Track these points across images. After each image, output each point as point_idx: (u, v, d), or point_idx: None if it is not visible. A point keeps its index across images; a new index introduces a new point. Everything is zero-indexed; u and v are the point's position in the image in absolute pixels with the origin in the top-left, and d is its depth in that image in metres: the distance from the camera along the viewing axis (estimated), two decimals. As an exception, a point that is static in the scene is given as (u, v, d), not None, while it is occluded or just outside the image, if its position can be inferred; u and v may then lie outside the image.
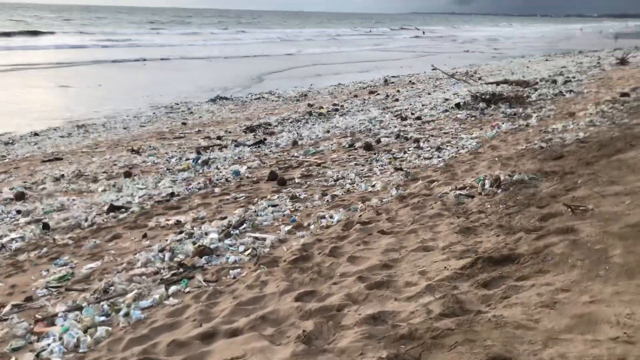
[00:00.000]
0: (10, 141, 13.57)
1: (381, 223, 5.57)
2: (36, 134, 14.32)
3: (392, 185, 7.21)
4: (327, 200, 6.87)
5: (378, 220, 5.70)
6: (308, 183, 7.89)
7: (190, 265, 4.96)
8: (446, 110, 13.74)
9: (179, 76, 27.67)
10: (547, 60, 31.53)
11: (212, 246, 5.36)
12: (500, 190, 6.00)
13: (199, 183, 8.31)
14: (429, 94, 18.41)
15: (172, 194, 7.74)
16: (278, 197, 7.20)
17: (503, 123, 11.21)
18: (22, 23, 69.31)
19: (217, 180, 8.45)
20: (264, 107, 18.32)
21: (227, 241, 5.56)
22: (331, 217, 6.03)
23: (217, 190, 7.87)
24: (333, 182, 7.82)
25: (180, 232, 5.96)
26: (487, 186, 6.16)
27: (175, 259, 5.13)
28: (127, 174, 9.46)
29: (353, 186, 7.48)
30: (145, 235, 6.04)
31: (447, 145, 9.53)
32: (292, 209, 6.62)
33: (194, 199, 7.43)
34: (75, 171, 9.96)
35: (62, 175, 9.77)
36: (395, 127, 12.10)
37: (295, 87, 23.04)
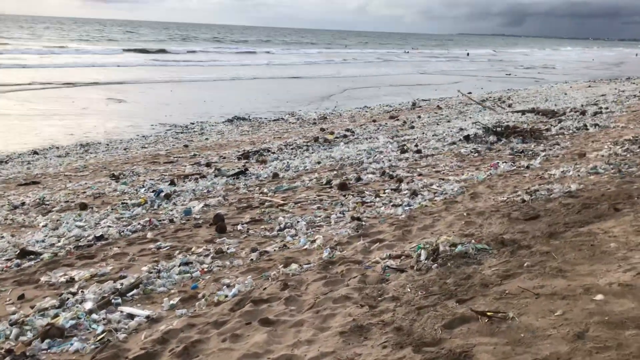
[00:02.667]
0: (4, 160, 12.99)
1: (276, 305, 4.39)
2: (35, 153, 13.73)
3: (331, 243, 6.01)
4: (251, 259, 5.73)
5: (278, 297, 4.52)
6: (249, 232, 6.77)
7: (20, 353, 3.92)
8: (453, 143, 12.38)
9: (211, 95, 27.03)
10: (589, 86, 29.43)
11: (69, 324, 4.31)
12: (436, 265, 4.74)
13: (138, 224, 7.31)
14: (449, 121, 17.02)
15: (99, 237, 6.76)
16: (204, 249, 6.11)
17: (503, 163, 9.81)
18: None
19: (160, 221, 7.43)
20: (276, 129, 17.33)
21: (97, 315, 4.50)
22: (230, 287, 4.88)
23: (149, 235, 6.85)
24: (276, 232, 6.68)
25: (60, 296, 4.95)
26: (422, 258, 4.91)
27: (5, 343, 4.09)
28: (83, 206, 8.57)
29: (294, 239, 6.33)
30: (22, 297, 5.05)
31: (426, 189, 8.24)
32: (206, 269, 5.52)
33: (113, 247, 6.41)
34: (39, 199, 9.15)
35: (23, 203, 8.98)
36: (389, 160, 10.85)
37: (317, 109, 21.97)
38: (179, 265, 5.59)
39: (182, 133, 16.69)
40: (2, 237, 7.09)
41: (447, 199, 7.65)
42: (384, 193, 8.30)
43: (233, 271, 5.42)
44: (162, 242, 6.48)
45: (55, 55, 42.71)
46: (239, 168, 10.83)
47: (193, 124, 18.30)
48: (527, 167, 9.33)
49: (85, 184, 10.39)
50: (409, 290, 4.28)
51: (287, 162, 11.40)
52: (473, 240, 5.24)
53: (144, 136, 16.04)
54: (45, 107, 20.53)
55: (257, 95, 26.27)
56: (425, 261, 4.85)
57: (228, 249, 6.11)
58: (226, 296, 4.69)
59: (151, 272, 5.40)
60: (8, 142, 14.80)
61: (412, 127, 16.00)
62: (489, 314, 3.46)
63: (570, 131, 13.11)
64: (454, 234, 5.75)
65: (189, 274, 5.39)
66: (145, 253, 6.14)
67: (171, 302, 4.68)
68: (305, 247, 5.95)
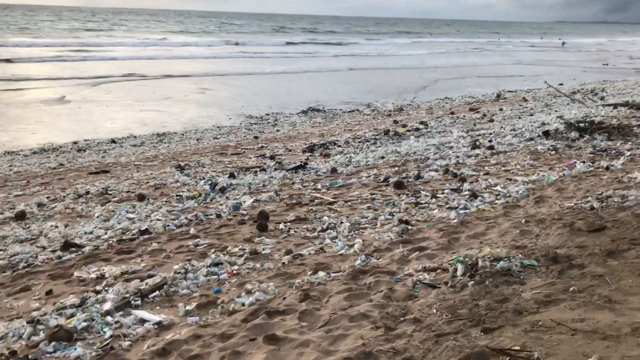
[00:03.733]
0: (84, 148, 13.40)
1: (289, 319, 4.01)
2: (113, 142, 14.08)
3: (370, 249, 5.55)
4: (283, 263, 5.39)
5: (295, 310, 4.14)
6: (290, 231, 6.43)
7: (23, 356, 3.78)
8: (531, 139, 11.45)
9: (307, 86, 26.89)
10: None
11: (81, 325, 4.14)
12: (472, 282, 4.19)
13: (185, 218, 7.16)
14: (532, 115, 15.90)
15: (143, 231, 6.66)
16: (240, 249, 5.84)
17: (581, 162, 8.90)
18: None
19: (208, 215, 7.25)
20: (349, 121, 16.92)
21: (112, 317, 4.32)
22: (250, 294, 4.56)
23: (192, 230, 6.66)
24: (317, 233, 6.30)
25: (83, 294, 4.82)
26: (458, 273, 4.36)
27: (18, 342, 3.98)
28: (141, 197, 8.57)
29: (333, 242, 5.92)
30: (50, 292, 4.97)
31: (488, 191, 7.57)
32: (235, 271, 5.24)
33: (154, 242, 6.27)
34: (102, 189, 9.26)
35: (87, 192, 9.12)
36: (457, 157, 10.17)
37: (396, 100, 21.30)
38: (209, 266, 5.33)
39: (256, 124, 16.65)
40: (56, 227, 7.17)
41: (509, 202, 6.96)
42: (442, 193, 7.71)
43: (261, 275, 5.09)
44: (201, 239, 6.27)
45: (158, 47, 44.26)
46: (301, 161, 10.53)
47: (268, 115, 18.23)
48: (607, 168, 8.39)
49: (151, 174, 10.45)
50: (434, 311, 3.78)
51: (350, 156, 10.98)
52: (521, 254, 4.63)
53: (218, 127, 16.12)
54: (129, 97, 21.19)
55: (337, 86, 25.93)
56: (462, 277, 4.31)
57: (264, 249, 5.79)
58: (243, 304, 4.37)
59: (179, 272, 5.17)
60: (90, 131, 15.29)
61: (492, 121, 15.06)
62: (512, 350, 2.92)
63: (666, 128, 11.80)
64: (503, 245, 5.13)
65: (216, 276, 5.12)
66: (182, 250, 5.95)
67: (187, 307, 4.42)
68: (341, 252, 5.53)
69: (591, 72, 33.30)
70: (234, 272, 5.22)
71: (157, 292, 4.77)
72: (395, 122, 16.07)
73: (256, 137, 14.30)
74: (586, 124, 11.99)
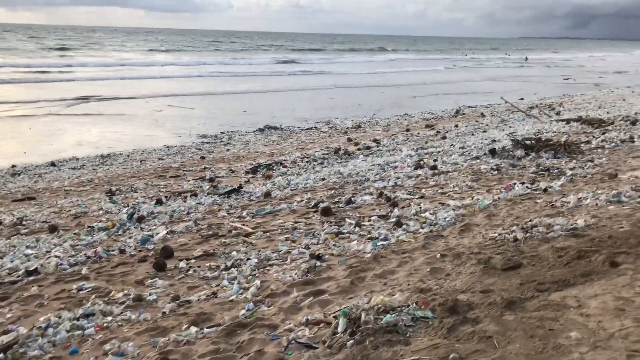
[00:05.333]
0: (19, 172, 12.54)
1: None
2: (53, 164, 13.25)
3: (265, 293, 4.86)
4: (164, 313, 4.65)
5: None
6: (190, 270, 5.71)
7: None
8: (477, 157, 10.88)
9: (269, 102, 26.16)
10: (656, 92, 26.62)
11: None
12: (352, 340, 3.51)
13: (84, 254, 6.41)
14: (485, 131, 15.38)
15: (31, 271, 5.88)
16: (124, 295, 5.10)
17: (520, 184, 8.30)
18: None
19: (110, 252, 6.49)
20: (303, 139, 16.27)
21: None
22: (103, 357, 3.83)
23: (84, 270, 5.91)
24: (218, 273, 5.58)
25: None
26: (339, 329, 3.68)
27: None
28: (52, 229, 7.80)
29: (230, 283, 5.22)
30: None
31: (415, 218, 6.93)
32: (105, 324, 4.50)
33: (35, 286, 5.50)
34: (18, 219, 8.46)
35: (0, 222, 8.32)
36: (397, 178, 9.55)
37: (355, 118, 20.68)
38: (79, 318, 4.58)
39: (208, 143, 15.92)
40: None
41: (432, 231, 6.32)
42: (369, 220, 7.05)
43: (133, 329, 4.36)
44: (88, 282, 5.52)
45: (139, 67, 43.03)
46: (236, 185, 9.83)
47: (223, 133, 17.52)
48: (545, 190, 7.81)
49: (77, 200, 9.67)
50: (294, 384, 3.09)
51: (290, 178, 10.31)
52: (418, 303, 3.95)
53: (167, 147, 15.35)
54: (86, 117, 20.30)
55: (299, 104, 25.31)
56: (342, 334, 3.63)
57: (150, 295, 5.06)
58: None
59: (39, 327, 4.42)
60: (34, 152, 14.43)
61: (444, 138, 14.51)
62: None
63: (613, 144, 11.30)
64: (407, 287, 4.47)
65: (81, 331, 4.37)
66: (60, 296, 5.19)
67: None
68: (231, 298, 4.81)
69: (552, 87, 33.13)
70: (104, 325, 4.48)
71: (1, 355, 4.01)
72: (349, 139, 15.47)
73: (203, 157, 13.58)
74: (532, 142, 11.47)
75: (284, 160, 12.49)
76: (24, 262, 6.25)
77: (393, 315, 3.68)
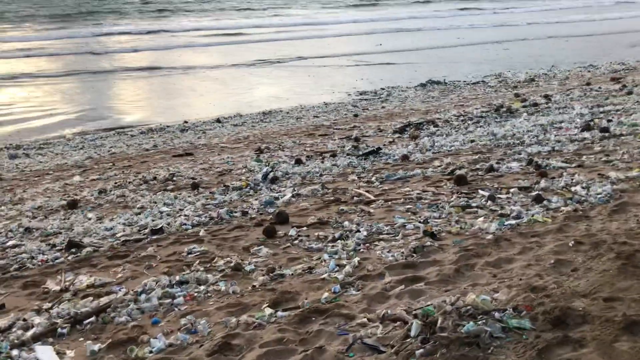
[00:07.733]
0: (186, 128, 13.30)
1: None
2: (218, 121, 13.83)
3: (359, 274, 4.36)
4: (253, 286, 4.41)
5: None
6: (296, 240, 5.40)
7: None
8: None
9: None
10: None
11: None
12: (422, 349, 2.90)
13: (209, 215, 6.44)
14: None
15: (156, 230, 6.03)
16: (226, 262, 4.96)
17: None
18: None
19: (232, 213, 6.44)
20: (466, 95, 15.06)
21: (17, 351, 3.69)
22: (171, 334, 3.68)
23: (202, 232, 5.91)
24: (323, 245, 5.20)
25: (20, 314, 4.26)
26: (412, 333, 3.08)
27: None
28: (194, 186, 8.05)
29: (330, 258, 4.81)
30: (1, 307, 4.49)
31: (559, 192, 5.83)
32: (196, 294, 4.37)
33: (154, 245, 5.60)
34: (170, 174, 8.90)
35: (154, 178, 8.82)
36: (558, 142, 8.30)
37: (530, 70, 18.55)
38: (173, 285, 4.53)
39: (365, 100, 15.46)
40: (90, 219, 6.86)
41: (577, 210, 5.25)
42: (507, 193, 6.13)
43: (216, 303, 4.16)
44: (201, 245, 5.50)
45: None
46: (379, 146, 9.31)
47: (383, 89, 16.91)
48: None
49: (227, 157, 9.93)
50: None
51: (436, 139, 9.51)
52: (515, 308, 3.18)
53: (325, 103, 15.20)
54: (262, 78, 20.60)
55: (470, 56, 23.55)
56: (413, 340, 3.03)
57: (249, 264, 4.86)
58: (151, 351, 3.51)
59: (134, 292, 4.44)
60: (204, 111, 15.14)
61: (630, 93, 12.36)
62: None
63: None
64: (519, 283, 3.67)
65: (170, 300, 4.30)
66: (170, 259, 5.19)
67: (96, 346, 3.66)
68: (323, 276, 4.39)
69: None
70: (195, 294, 4.37)
71: (92, 318, 4.07)
72: (517, 95, 13.95)
73: (356, 115, 13.19)
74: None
75: (437, 118, 11.60)
76: (154, 220, 6.46)
77: (478, 322, 2.99)
